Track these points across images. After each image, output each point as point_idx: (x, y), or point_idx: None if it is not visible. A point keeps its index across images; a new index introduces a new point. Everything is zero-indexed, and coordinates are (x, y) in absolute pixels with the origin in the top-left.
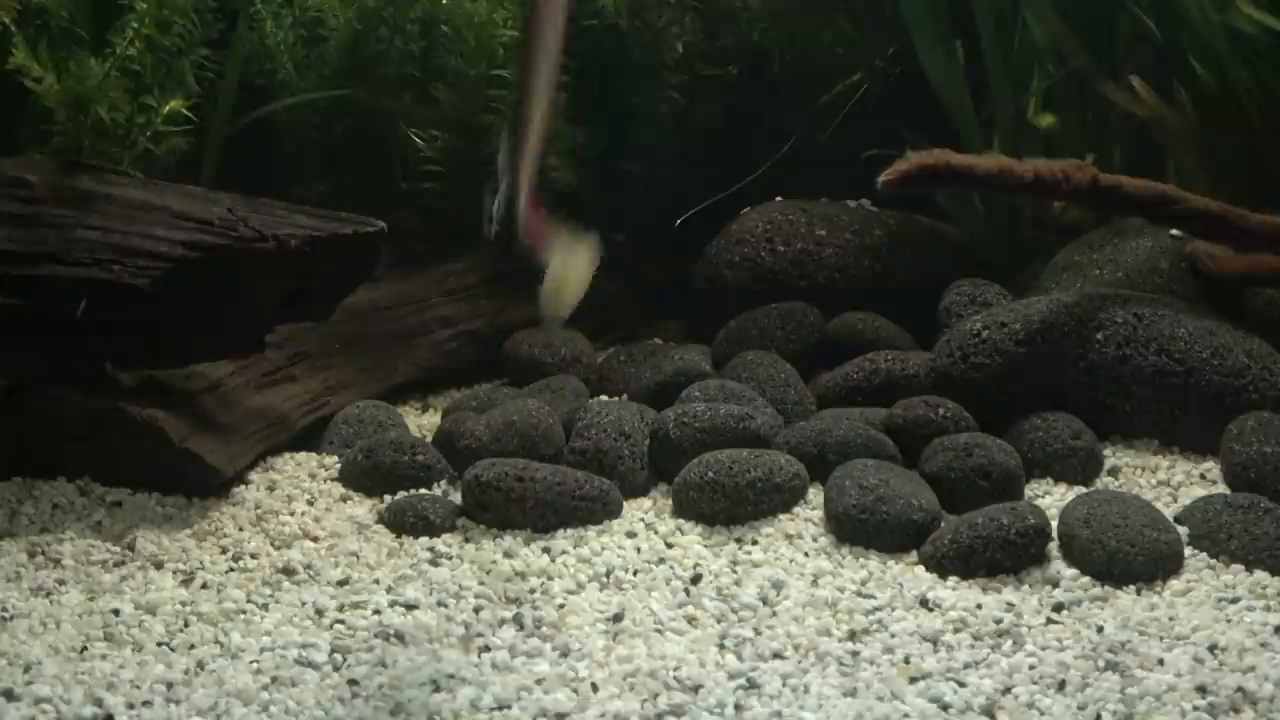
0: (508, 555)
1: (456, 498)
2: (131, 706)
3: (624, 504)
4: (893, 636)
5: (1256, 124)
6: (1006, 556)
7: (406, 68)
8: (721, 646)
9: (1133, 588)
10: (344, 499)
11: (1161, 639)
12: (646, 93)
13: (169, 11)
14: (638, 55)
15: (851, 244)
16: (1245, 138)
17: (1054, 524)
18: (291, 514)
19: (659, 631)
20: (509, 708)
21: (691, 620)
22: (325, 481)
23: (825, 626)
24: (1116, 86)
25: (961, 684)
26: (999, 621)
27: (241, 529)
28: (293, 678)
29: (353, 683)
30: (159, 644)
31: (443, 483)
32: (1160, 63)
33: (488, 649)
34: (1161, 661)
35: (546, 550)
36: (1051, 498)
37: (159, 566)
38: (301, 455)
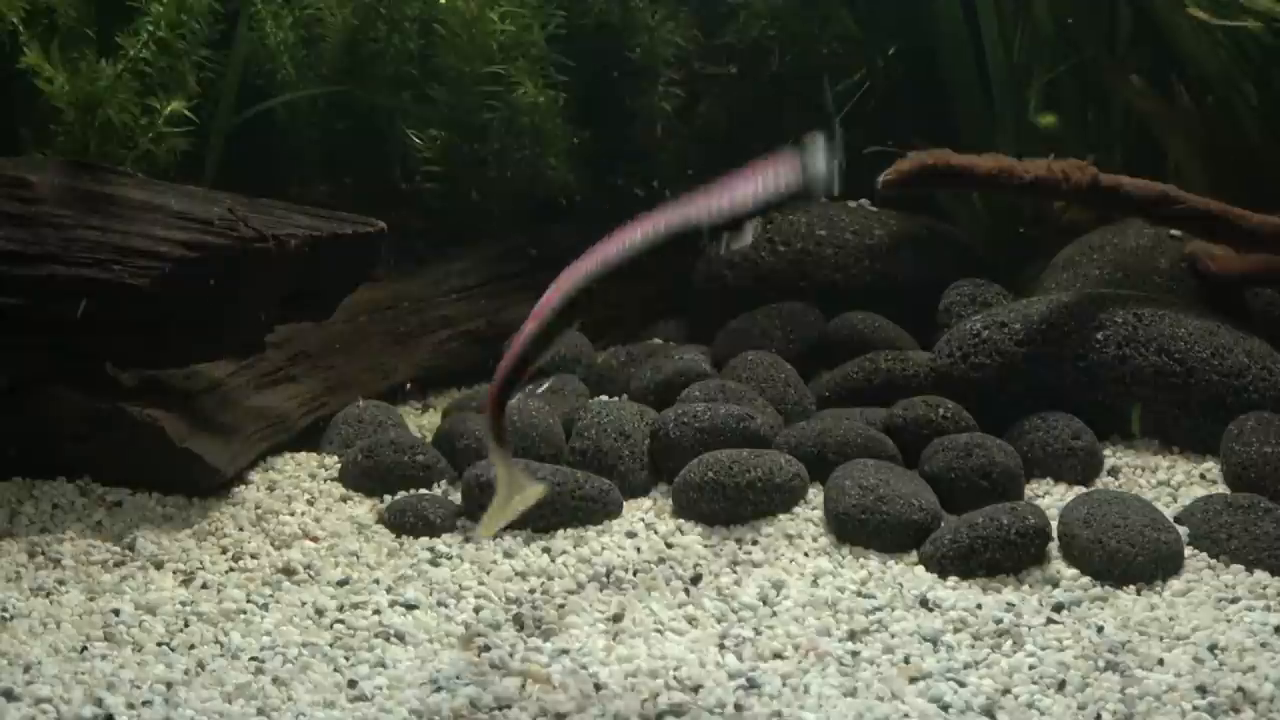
0: (508, 555)
1: (456, 498)
2: (131, 706)
3: (624, 504)
4: (893, 636)
5: (1254, 123)
6: (1006, 556)
7: (404, 66)
8: (721, 646)
9: (1133, 588)
10: (344, 499)
11: (1161, 639)
12: (643, 92)
13: (183, 13)
14: (632, 53)
15: (851, 244)
16: (1243, 135)
17: (1054, 524)
18: (291, 514)
19: (659, 631)
20: (509, 708)
21: (691, 620)
22: (325, 481)
23: (825, 626)
24: (1119, 74)
25: (961, 684)
26: (999, 621)
27: (241, 529)
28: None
29: (352, 683)
30: (159, 644)
31: (443, 483)
32: (1161, 62)
33: (488, 649)
34: (1161, 661)
35: (546, 550)
36: (1051, 498)
37: (159, 566)
38: (301, 455)
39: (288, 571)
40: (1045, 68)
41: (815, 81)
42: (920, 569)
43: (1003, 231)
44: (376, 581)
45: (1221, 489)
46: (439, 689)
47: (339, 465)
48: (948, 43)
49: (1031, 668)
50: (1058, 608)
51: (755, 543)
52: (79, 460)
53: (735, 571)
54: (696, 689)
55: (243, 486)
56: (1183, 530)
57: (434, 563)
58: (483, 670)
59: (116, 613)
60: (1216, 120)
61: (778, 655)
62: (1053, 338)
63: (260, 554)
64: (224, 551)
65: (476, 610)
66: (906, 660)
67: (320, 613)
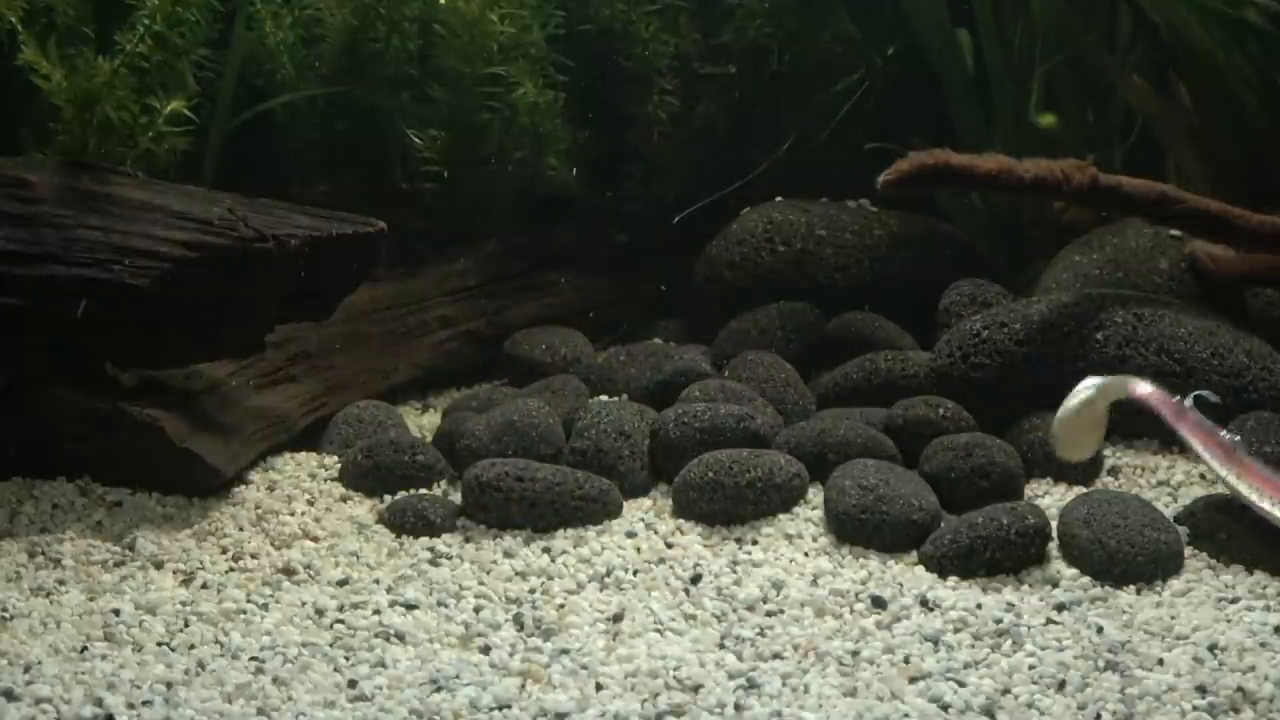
0: (508, 555)
1: (456, 498)
2: (131, 706)
3: (624, 504)
4: (893, 636)
5: (1254, 117)
6: (1006, 556)
7: (404, 66)
8: (721, 646)
9: (1133, 588)
10: (344, 499)
11: (1162, 639)
12: (640, 99)
13: (179, 7)
14: (630, 61)
15: (851, 244)
16: (1242, 132)
17: (1054, 524)
18: (291, 514)
19: (659, 631)
20: (509, 708)
21: (691, 620)
22: (325, 481)
23: (825, 626)
24: (1120, 74)
25: (961, 684)
26: (999, 621)
27: (241, 529)
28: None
29: (352, 683)
30: (159, 644)
31: (443, 483)
32: (1162, 63)
33: (488, 649)
34: (1161, 661)
35: (546, 550)
36: (1051, 498)
37: (159, 566)
38: (301, 455)
39: (288, 571)
40: (1046, 63)
41: (814, 81)
42: (920, 569)
43: (1003, 231)
44: (376, 581)
45: (1221, 489)
46: (439, 689)
47: (339, 465)
48: (932, 40)
49: (1031, 668)
50: (1058, 608)
51: (755, 543)
52: (79, 460)
53: (735, 571)
54: (696, 689)
55: (243, 486)
56: (1183, 530)
57: (434, 563)
58: (483, 670)
59: (116, 613)
60: (1215, 111)
61: (778, 655)
62: (1053, 338)
63: (260, 554)
64: (224, 551)
65: (476, 610)
66: (906, 660)
67: (320, 613)
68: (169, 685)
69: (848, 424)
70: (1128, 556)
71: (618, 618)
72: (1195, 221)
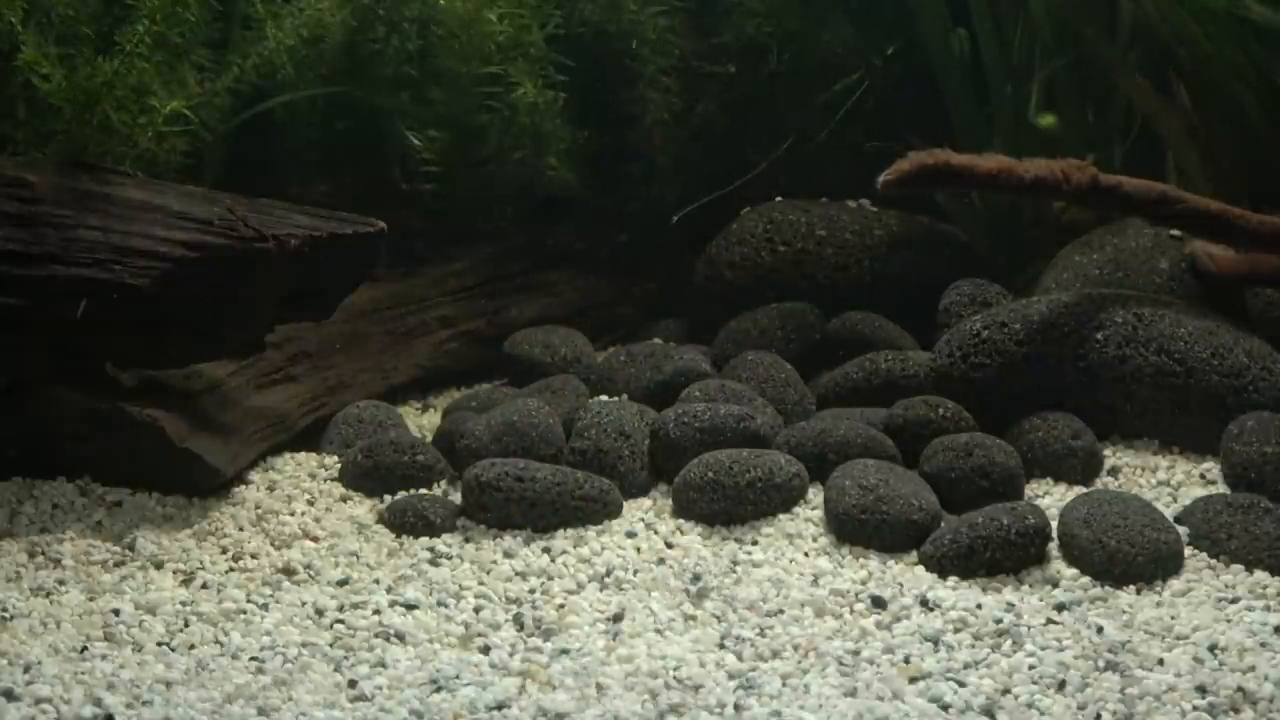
0: (508, 555)
1: (456, 498)
2: (131, 706)
3: (624, 504)
4: (893, 636)
5: (1254, 117)
6: (1006, 556)
7: (403, 67)
8: (721, 646)
9: (1133, 588)
10: (344, 499)
11: (1162, 639)
12: (643, 97)
13: (179, 8)
14: (634, 61)
15: (851, 244)
16: (1242, 132)
17: (1054, 524)
18: (291, 514)
19: (659, 631)
20: (509, 708)
21: (691, 620)
22: (325, 481)
23: (825, 626)
24: (1121, 67)
25: (961, 684)
26: (999, 621)
27: (241, 529)
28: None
29: (352, 683)
30: (159, 644)
31: (443, 483)
32: (1161, 63)
33: (488, 649)
34: (1161, 661)
35: (546, 550)
36: (1051, 498)
37: (159, 566)
38: (301, 455)
39: (288, 571)
40: (1046, 64)
41: (813, 80)
42: (920, 569)
43: (1003, 231)
44: (376, 581)
45: (1221, 489)
46: (439, 689)
47: (339, 465)
48: (933, 42)
49: (1031, 668)
50: (1058, 608)
51: (755, 543)
52: (79, 460)
53: (735, 571)
54: (696, 689)
55: (243, 486)
56: (1183, 530)
57: (434, 563)
58: (483, 670)
59: (116, 613)
60: (1215, 111)
61: (777, 655)
62: (1053, 338)
63: (260, 554)
64: (224, 551)
65: (476, 610)
66: (906, 660)
67: (320, 613)
68: (169, 685)
69: (848, 424)
70: (1128, 556)
71: (618, 618)
72: (1195, 221)
